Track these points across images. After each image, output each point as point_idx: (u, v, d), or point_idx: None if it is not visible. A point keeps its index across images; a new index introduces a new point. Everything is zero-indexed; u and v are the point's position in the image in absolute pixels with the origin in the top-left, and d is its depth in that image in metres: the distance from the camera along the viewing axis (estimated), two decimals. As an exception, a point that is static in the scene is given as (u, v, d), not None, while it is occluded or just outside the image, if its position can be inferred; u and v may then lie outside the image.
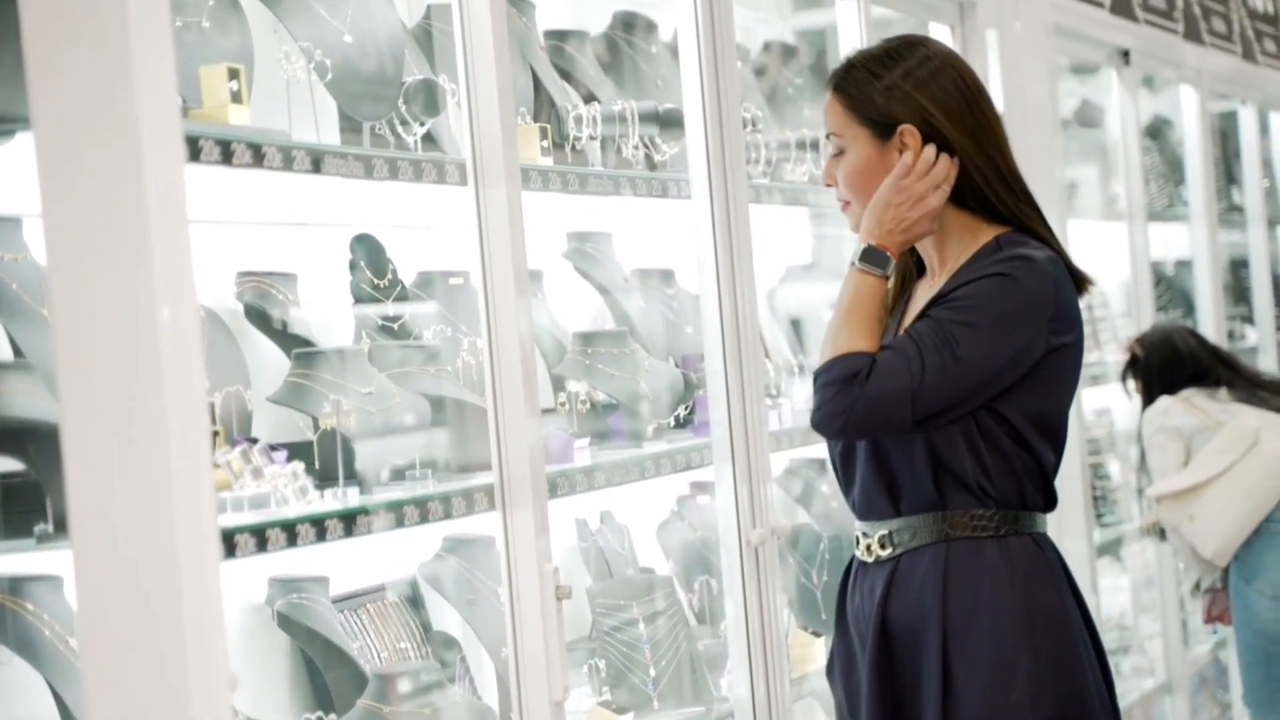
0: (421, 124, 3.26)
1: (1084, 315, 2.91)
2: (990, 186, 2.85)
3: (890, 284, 2.89)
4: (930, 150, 2.82)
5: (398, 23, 3.36)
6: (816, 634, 4.20)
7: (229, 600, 2.24)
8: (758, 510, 3.74)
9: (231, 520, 2.67)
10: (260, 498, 2.79)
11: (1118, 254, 6.26)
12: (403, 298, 3.41)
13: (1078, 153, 6.48)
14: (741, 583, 3.73)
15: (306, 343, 3.22)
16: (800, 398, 4.32)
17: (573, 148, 3.74)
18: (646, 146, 3.89)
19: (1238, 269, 7.70)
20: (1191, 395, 5.17)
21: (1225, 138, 7.79)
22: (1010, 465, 2.81)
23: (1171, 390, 5.19)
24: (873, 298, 2.82)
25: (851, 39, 4.35)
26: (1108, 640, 2.99)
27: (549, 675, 3.07)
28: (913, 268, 3.00)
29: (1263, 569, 4.99)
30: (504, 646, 3.18)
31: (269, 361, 3.25)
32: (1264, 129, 8.10)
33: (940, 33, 4.88)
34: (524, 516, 3.08)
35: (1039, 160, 4.97)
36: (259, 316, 3.24)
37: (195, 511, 2.15)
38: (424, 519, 3.00)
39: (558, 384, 3.80)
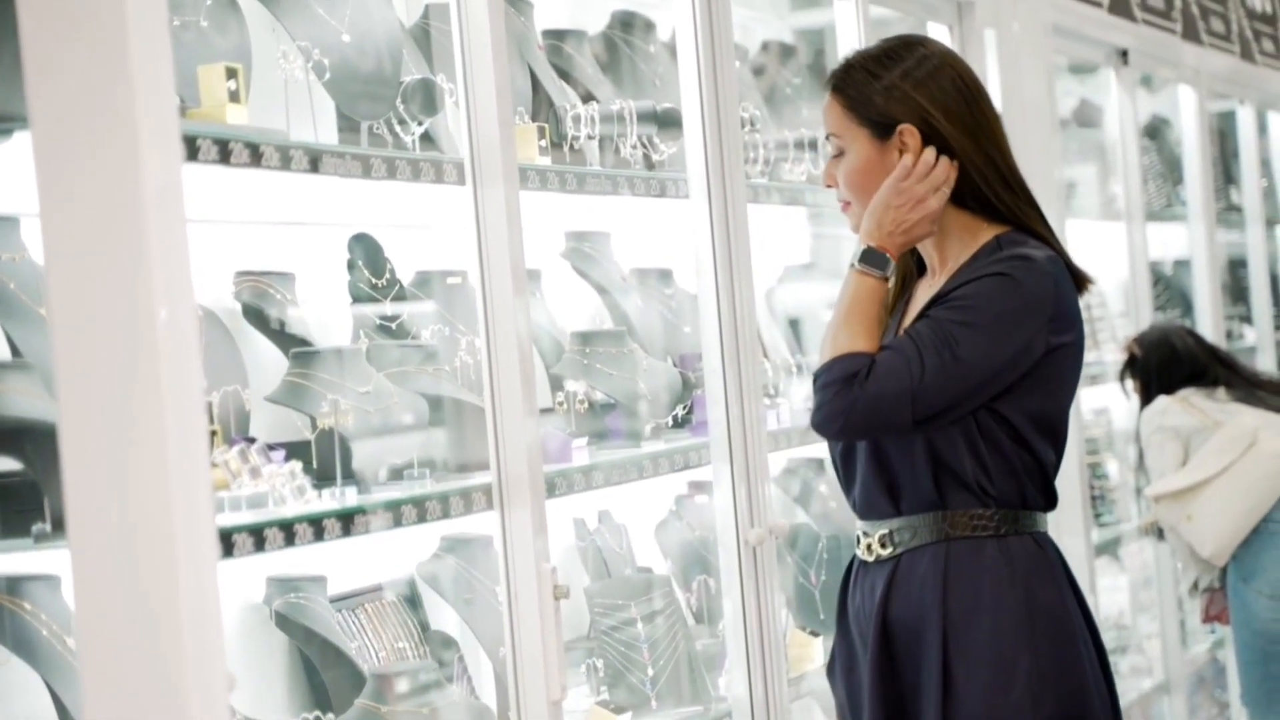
0: (419, 123, 3.26)
1: (1083, 315, 2.91)
2: (990, 186, 2.85)
3: (890, 284, 2.89)
4: (930, 152, 2.82)
5: (396, 22, 3.36)
6: (814, 634, 4.20)
7: (227, 600, 2.24)
8: (756, 510, 3.74)
9: (229, 520, 2.67)
10: (258, 497, 2.78)
11: (1116, 254, 6.26)
12: (401, 297, 3.41)
13: (1076, 152, 6.49)
14: (739, 582, 3.73)
15: (304, 342, 3.22)
16: (798, 397, 4.32)
17: (571, 147, 3.74)
18: (645, 146, 3.89)
19: (1236, 269, 7.70)
20: (1190, 395, 5.17)
21: (1223, 137, 7.79)
22: (1010, 465, 2.81)
23: (1169, 390, 5.19)
24: (872, 299, 2.82)
25: (850, 39, 4.35)
26: (1106, 640, 2.98)
27: (547, 675, 3.07)
28: (913, 267, 3.00)
29: (1261, 569, 4.99)
30: (502, 646, 3.18)
31: (267, 361, 3.25)
32: (1262, 129, 8.10)
33: (938, 32, 4.88)
34: (522, 516, 3.08)
35: (1037, 160, 4.97)
36: (257, 316, 3.24)
37: (193, 511, 2.15)
38: (422, 518, 3.00)
39: (556, 383, 3.80)
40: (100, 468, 2.16)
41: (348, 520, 2.85)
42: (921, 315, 2.82)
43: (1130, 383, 5.35)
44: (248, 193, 3.13)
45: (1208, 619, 5.29)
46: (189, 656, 2.13)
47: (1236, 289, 7.65)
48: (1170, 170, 7.13)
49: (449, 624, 3.54)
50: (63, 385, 2.18)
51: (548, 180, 3.50)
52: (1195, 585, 5.21)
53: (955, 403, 2.75)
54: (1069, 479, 5.08)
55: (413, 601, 3.49)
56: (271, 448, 2.92)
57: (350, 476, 3.05)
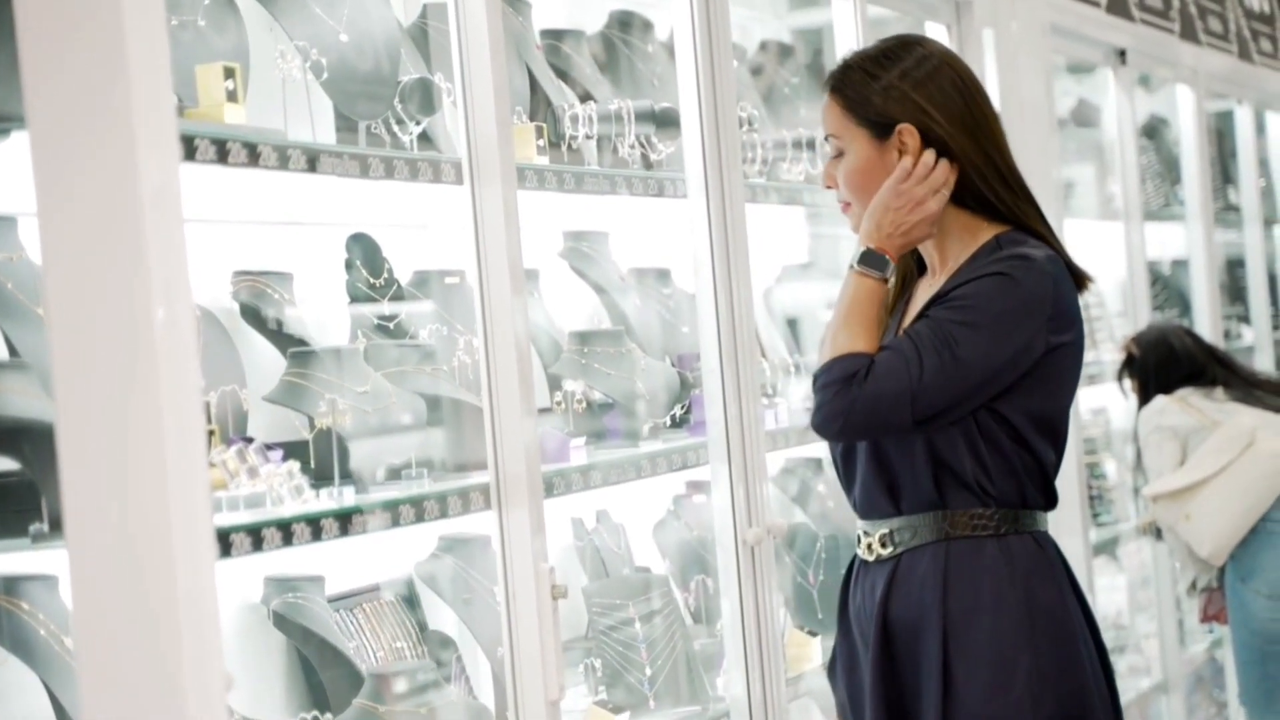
0: (417, 123, 3.26)
1: (1082, 314, 2.91)
2: (989, 185, 2.85)
3: (890, 285, 2.89)
4: (929, 154, 2.82)
5: (394, 22, 3.36)
6: (813, 633, 4.20)
7: (224, 599, 2.24)
8: (754, 509, 3.74)
9: (227, 519, 2.67)
10: (256, 497, 2.78)
11: (1114, 253, 6.26)
12: (399, 297, 3.41)
13: (1074, 152, 6.49)
14: (738, 582, 3.73)
15: (302, 342, 3.22)
16: (796, 397, 4.32)
17: (569, 147, 3.74)
18: (643, 146, 3.89)
19: (1234, 268, 7.70)
20: (1188, 395, 5.17)
21: (1221, 137, 7.79)
22: (1010, 465, 2.81)
23: (1168, 390, 5.19)
24: (871, 300, 2.82)
25: (848, 38, 4.35)
26: (1105, 639, 2.98)
27: (545, 674, 3.07)
28: (913, 267, 3.00)
29: (1259, 568, 4.99)
30: (500, 646, 3.18)
31: (265, 361, 3.25)
32: (1260, 128, 8.10)
33: (937, 32, 4.88)
34: (520, 516, 3.08)
35: (1035, 160, 4.97)
36: (255, 316, 3.23)
37: (191, 511, 2.15)
38: (420, 518, 3.00)
39: (554, 383, 3.80)
40: (98, 468, 2.16)
41: (346, 520, 2.85)
42: (921, 315, 2.82)
43: (1128, 382, 5.35)
44: (245, 192, 3.13)
45: (1206, 619, 5.29)
46: (187, 656, 2.13)
47: (1234, 289, 7.66)
48: (1168, 170, 7.13)
49: (447, 624, 3.54)
50: (60, 385, 2.18)
51: (545, 180, 3.50)
52: (1193, 585, 5.21)
53: (955, 403, 2.75)
54: (1067, 479, 5.08)
55: (411, 601, 3.49)
56: (269, 447, 2.92)
57: (348, 476, 3.05)
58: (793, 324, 4.82)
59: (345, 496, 2.99)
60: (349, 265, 3.38)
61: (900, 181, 2.82)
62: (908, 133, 2.83)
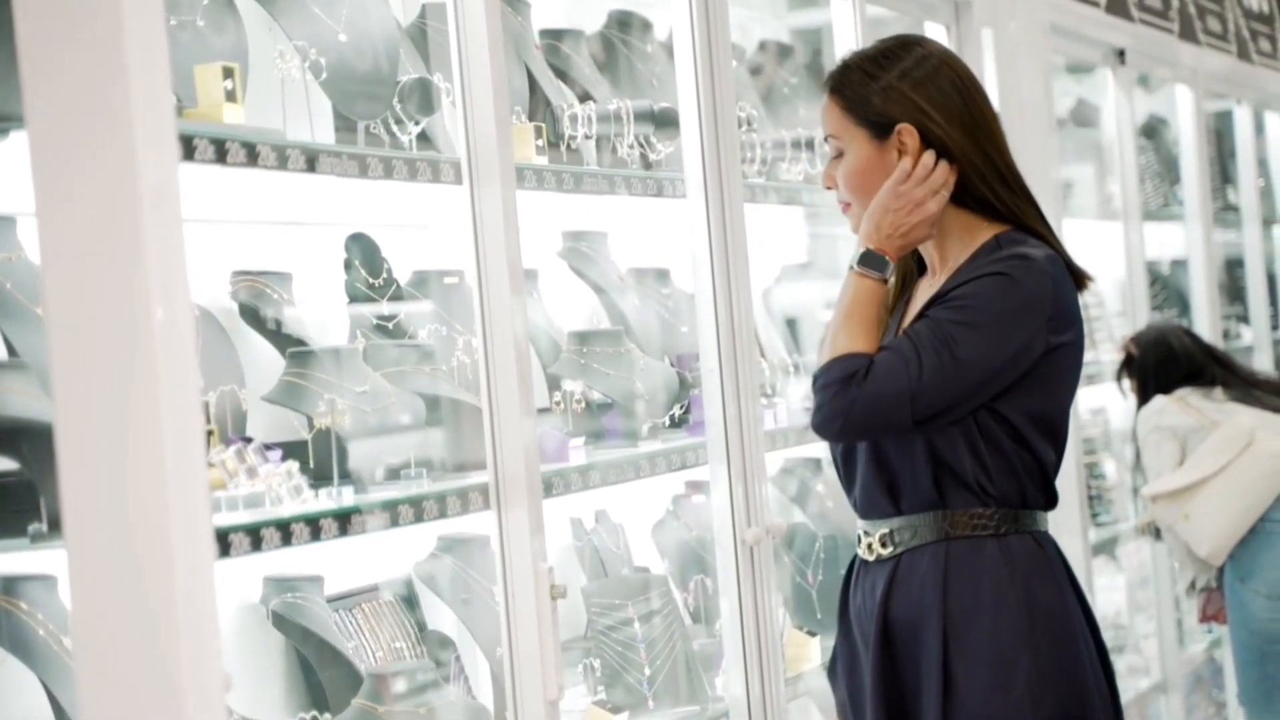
0: (416, 123, 3.26)
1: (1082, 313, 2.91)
2: (988, 185, 2.85)
3: (890, 285, 2.89)
4: (929, 156, 2.82)
5: (393, 22, 3.36)
6: (812, 633, 4.20)
7: (223, 599, 2.23)
8: (753, 509, 3.74)
9: (226, 519, 2.67)
10: (255, 497, 2.78)
11: (1113, 253, 6.26)
12: (398, 297, 3.41)
13: (1073, 152, 6.49)
14: (736, 582, 3.72)
15: (301, 342, 3.22)
16: (795, 397, 4.32)
17: (568, 147, 3.74)
18: (642, 146, 3.89)
19: (1233, 268, 7.70)
20: (1187, 394, 5.17)
21: (1220, 137, 7.79)
22: (1010, 464, 2.81)
23: (1166, 389, 5.19)
24: (871, 301, 2.82)
25: (847, 38, 4.35)
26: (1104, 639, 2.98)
27: (544, 675, 3.07)
28: (913, 267, 3.00)
29: (1258, 568, 4.99)
30: (499, 646, 3.18)
31: (264, 361, 3.25)
32: (1259, 128, 8.10)
33: (936, 32, 4.88)
34: (519, 516, 3.08)
35: (1034, 159, 4.97)
36: (253, 316, 3.23)
37: (190, 511, 2.15)
38: (419, 518, 3.00)
39: (553, 383, 3.80)
40: (97, 467, 2.16)
41: (344, 520, 2.85)
42: (921, 315, 2.82)
43: (1127, 382, 5.35)
44: (244, 192, 3.12)
45: (1205, 618, 5.29)
46: (186, 656, 2.13)
47: (1233, 288, 7.65)
48: (1167, 170, 7.13)
49: (446, 624, 3.54)
50: (59, 385, 2.18)
51: (544, 180, 3.50)
52: (1192, 585, 5.21)
53: (954, 403, 2.75)
54: (1066, 479, 5.07)
55: (410, 601, 3.49)
56: (268, 447, 2.92)
57: (347, 476, 3.05)
58: (792, 324, 4.82)
59: (344, 496, 2.99)
60: (348, 265, 3.38)
61: (900, 183, 2.82)
62: (907, 133, 2.83)
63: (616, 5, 4.30)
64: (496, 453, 3.09)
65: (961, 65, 2.91)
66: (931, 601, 2.80)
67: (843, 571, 3.02)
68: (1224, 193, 7.71)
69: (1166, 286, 7.05)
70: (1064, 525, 5.10)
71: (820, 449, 4.55)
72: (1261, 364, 7.43)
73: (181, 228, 2.18)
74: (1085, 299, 2.90)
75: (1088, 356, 5.70)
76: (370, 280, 3.38)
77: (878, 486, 2.87)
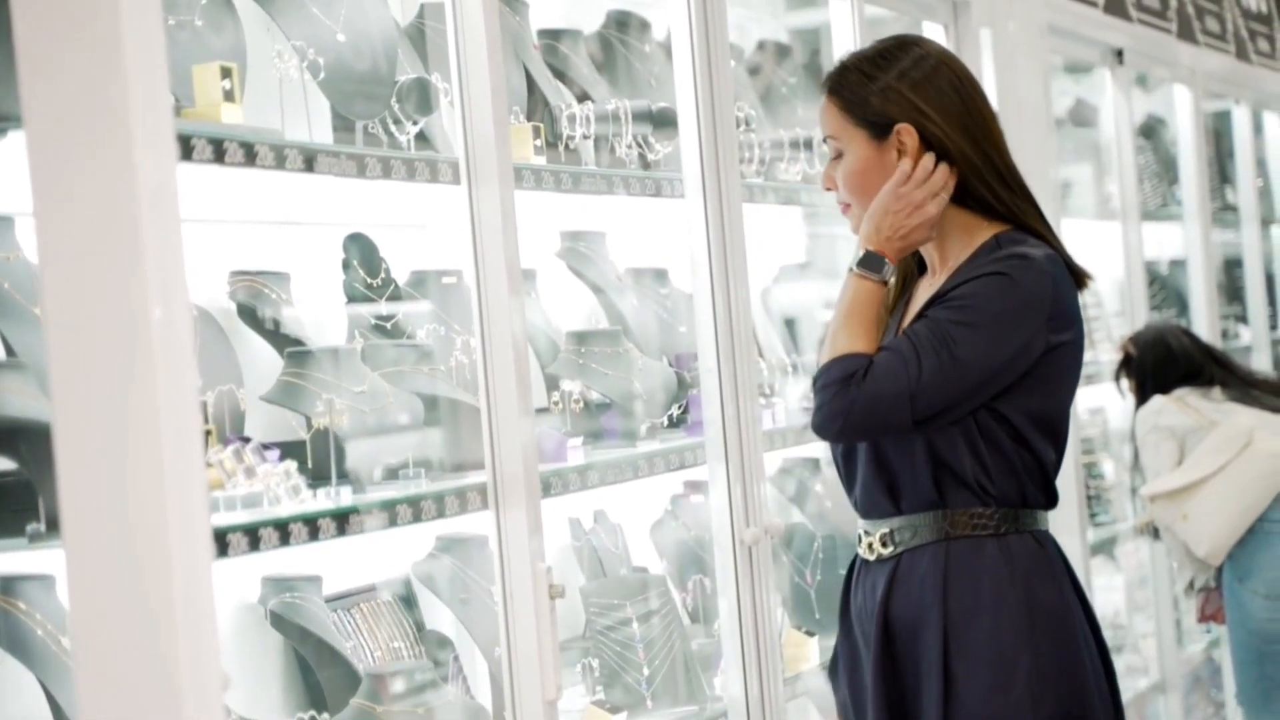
0: (414, 123, 3.26)
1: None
2: (988, 185, 2.86)
3: (890, 285, 2.89)
4: (929, 158, 2.82)
5: (391, 21, 3.36)
6: (810, 633, 4.20)
7: (222, 599, 2.23)
8: (751, 509, 3.74)
9: (224, 519, 2.67)
10: (253, 497, 2.78)
11: (1112, 253, 6.26)
12: (396, 297, 3.41)
13: (1072, 152, 6.49)
14: (735, 582, 3.72)
15: (299, 342, 3.22)
16: (794, 397, 4.32)
17: (566, 147, 3.74)
18: (640, 145, 3.89)
19: (1231, 268, 7.70)
20: (1185, 394, 5.17)
21: (1219, 137, 7.79)
22: (1010, 464, 2.81)
23: (1165, 389, 5.20)
24: (870, 302, 2.83)
25: (845, 38, 4.35)
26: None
27: (542, 675, 3.07)
28: (913, 267, 3.00)
29: (1256, 568, 4.99)
30: (497, 646, 3.18)
31: (262, 360, 3.25)
32: (1258, 128, 8.10)
33: (934, 32, 4.88)
34: (517, 516, 3.08)
35: (1033, 159, 4.97)
36: (252, 315, 3.23)
37: (188, 510, 2.15)
38: (417, 518, 3.00)
39: (551, 383, 3.79)
40: (95, 467, 2.16)
41: (343, 520, 2.85)
42: (920, 315, 2.82)
43: (1125, 382, 5.35)
44: (242, 192, 3.12)
45: (1203, 618, 5.30)
46: (184, 656, 2.13)
47: (1232, 288, 7.65)
48: (1165, 170, 7.13)
49: (444, 624, 3.54)
50: (57, 385, 2.18)
51: (543, 180, 3.50)
52: (1191, 585, 5.21)
53: (954, 403, 2.75)
54: (1065, 479, 5.07)
55: (408, 601, 3.49)
56: (266, 447, 2.92)
57: (345, 476, 3.05)
58: (790, 324, 4.82)
59: (342, 496, 2.99)
60: (346, 265, 3.38)
61: (900, 185, 2.82)
62: (906, 132, 2.83)
63: (615, 5, 4.30)
64: (495, 453, 3.09)
65: (960, 65, 2.91)
66: (932, 601, 2.80)
67: (841, 571, 3.03)
68: (1222, 193, 7.71)
69: (1165, 286, 7.05)
70: (1062, 525, 5.10)
71: (819, 449, 4.56)
72: (1260, 364, 7.43)
73: (179, 227, 2.18)
74: (1084, 299, 2.90)
75: (1086, 356, 5.71)
76: (368, 280, 3.38)
77: (878, 486, 2.87)
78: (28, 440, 2.58)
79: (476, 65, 3.10)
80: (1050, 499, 2.90)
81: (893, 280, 2.90)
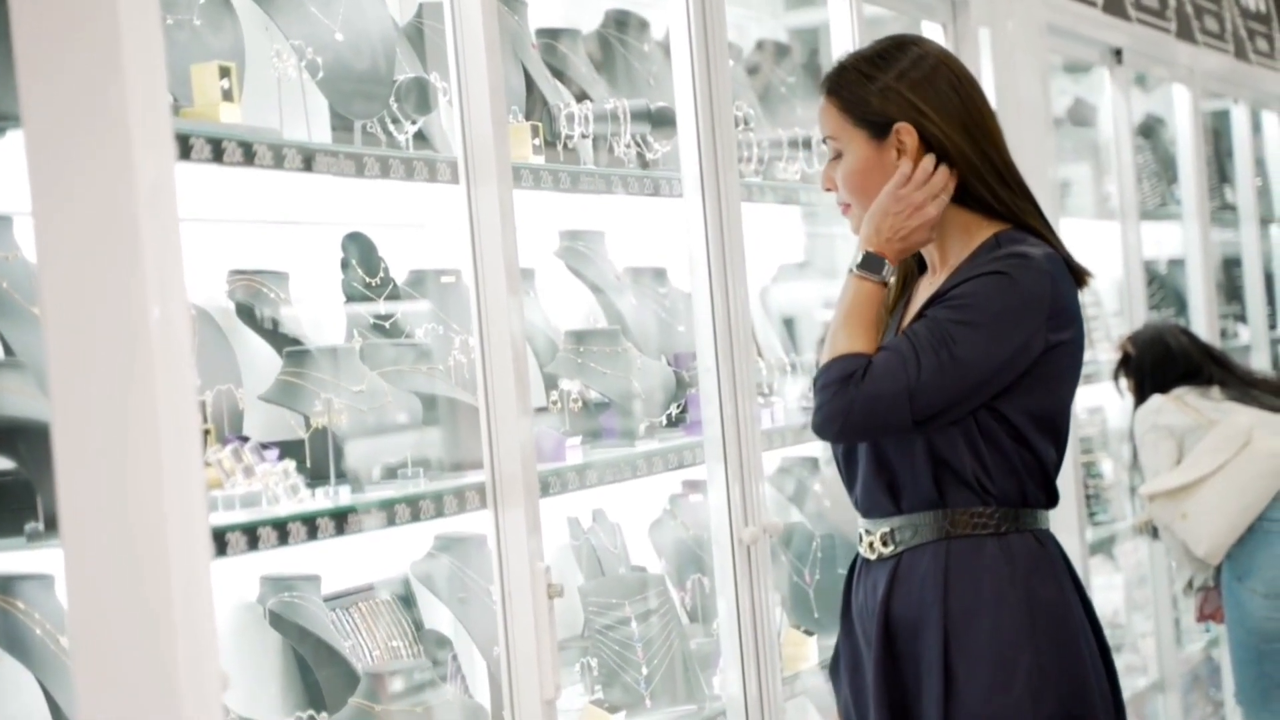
0: (413, 122, 3.26)
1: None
2: (987, 184, 2.86)
3: (890, 285, 2.89)
4: (929, 160, 2.82)
5: (389, 21, 3.36)
6: (809, 632, 4.20)
7: (220, 599, 2.23)
8: (750, 509, 3.74)
9: (223, 519, 2.67)
10: (251, 496, 2.78)
11: (1110, 253, 6.26)
12: (394, 296, 3.41)
13: (1070, 151, 6.49)
14: (734, 581, 3.72)
15: (298, 341, 3.22)
16: (793, 396, 4.32)
17: (565, 146, 3.74)
18: (639, 145, 3.89)
19: (1230, 268, 7.70)
20: (1184, 394, 5.17)
21: (1218, 136, 7.79)
22: (1010, 463, 2.81)
23: (1164, 389, 5.20)
24: (870, 303, 2.83)
25: (844, 37, 4.35)
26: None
27: (541, 674, 3.07)
28: (913, 266, 3.00)
29: (1255, 567, 5.00)
30: (496, 645, 3.18)
31: (260, 360, 3.25)
32: (1256, 128, 8.10)
33: (933, 31, 4.88)
34: (516, 515, 3.08)
35: (1032, 159, 4.97)
36: (250, 315, 3.23)
37: (186, 510, 2.15)
38: (415, 517, 3.00)
39: (550, 382, 3.79)
40: (94, 467, 2.16)
41: (341, 519, 2.85)
42: (920, 314, 2.82)
43: (1124, 381, 5.35)
44: (241, 192, 3.12)
45: (1202, 618, 5.30)
46: (183, 655, 2.13)
47: (1231, 288, 7.65)
48: (1164, 169, 7.14)
49: (443, 623, 3.54)
50: (56, 384, 2.18)
51: (541, 179, 3.50)
52: (1190, 584, 5.21)
53: (954, 402, 2.75)
54: (1063, 478, 5.06)
55: (407, 600, 3.49)
56: (265, 446, 2.92)
57: (344, 475, 3.05)
58: (789, 323, 4.82)
59: (341, 496, 2.99)
60: (345, 264, 3.37)
61: (900, 187, 2.82)
62: (905, 131, 2.83)
63: (613, 4, 4.30)
64: (493, 452, 3.09)
65: (959, 65, 2.91)
66: (932, 600, 2.80)
67: (840, 571, 3.03)
68: (1221, 192, 7.71)
69: (1164, 286, 7.05)
70: (1061, 524, 5.09)
71: (817, 448, 4.56)
72: (1259, 363, 7.43)
73: (178, 227, 2.18)
74: (1083, 298, 2.90)
75: (1085, 356, 5.71)
76: (367, 279, 3.37)
77: (878, 485, 2.87)
78: (26, 439, 2.58)
79: (475, 64, 3.10)
80: (1051, 498, 2.90)
81: (893, 280, 2.90)
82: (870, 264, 2.84)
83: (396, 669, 3.20)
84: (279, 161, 2.82)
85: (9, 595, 2.72)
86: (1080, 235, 5.65)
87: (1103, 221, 6.37)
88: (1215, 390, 5.18)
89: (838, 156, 2.91)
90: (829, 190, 2.96)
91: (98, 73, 2.13)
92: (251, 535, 2.63)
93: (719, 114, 3.76)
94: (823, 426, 2.81)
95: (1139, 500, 5.52)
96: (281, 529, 2.70)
